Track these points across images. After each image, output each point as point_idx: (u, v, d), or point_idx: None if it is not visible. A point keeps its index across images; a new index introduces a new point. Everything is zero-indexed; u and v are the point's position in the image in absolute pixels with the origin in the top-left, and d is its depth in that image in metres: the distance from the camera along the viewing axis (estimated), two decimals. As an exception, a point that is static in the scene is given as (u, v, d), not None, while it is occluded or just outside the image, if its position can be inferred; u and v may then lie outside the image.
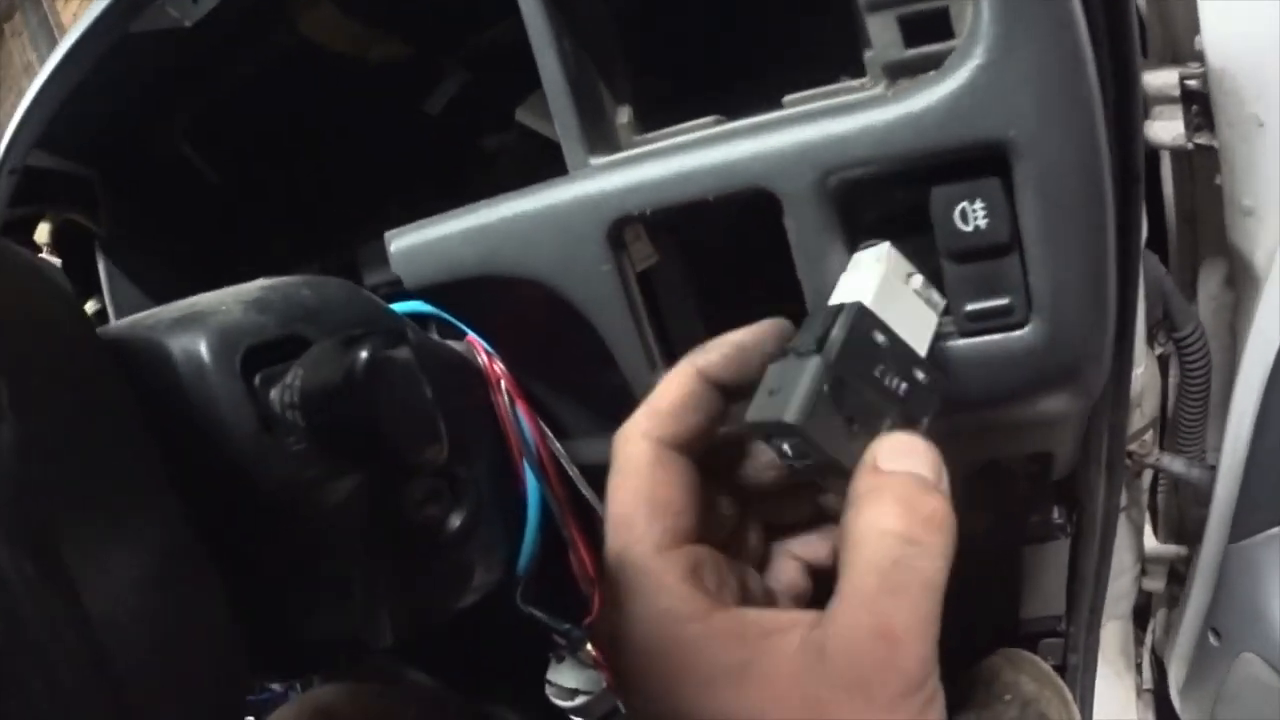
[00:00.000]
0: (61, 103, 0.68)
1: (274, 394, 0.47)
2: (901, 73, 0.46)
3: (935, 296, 0.46)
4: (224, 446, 0.46)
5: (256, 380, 0.47)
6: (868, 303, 0.43)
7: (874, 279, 0.44)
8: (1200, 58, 0.87)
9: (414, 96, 0.76)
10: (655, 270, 0.55)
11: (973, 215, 0.44)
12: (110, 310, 0.82)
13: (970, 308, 0.46)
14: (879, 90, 0.47)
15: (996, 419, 0.51)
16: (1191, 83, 0.88)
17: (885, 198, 0.47)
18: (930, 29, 0.45)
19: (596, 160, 0.52)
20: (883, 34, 0.46)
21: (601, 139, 0.54)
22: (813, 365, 0.41)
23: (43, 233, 0.79)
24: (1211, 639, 0.96)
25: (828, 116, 0.46)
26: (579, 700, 0.78)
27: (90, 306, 0.84)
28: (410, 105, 0.76)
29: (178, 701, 0.34)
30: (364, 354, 0.45)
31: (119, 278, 0.81)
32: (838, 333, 0.42)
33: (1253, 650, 0.90)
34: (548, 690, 0.80)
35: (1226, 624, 0.94)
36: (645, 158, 0.51)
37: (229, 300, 0.50)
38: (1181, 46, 0.93)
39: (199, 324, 0.47)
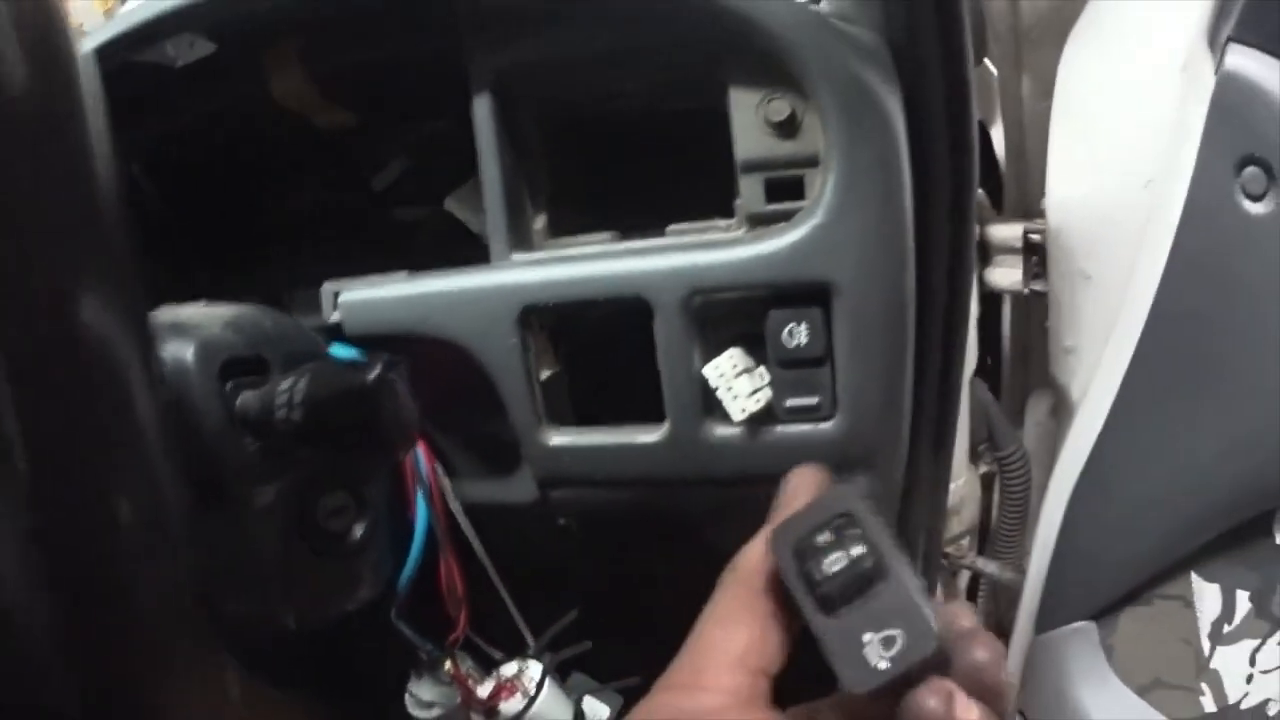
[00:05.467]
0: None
1: (242, 399, 0.57)
2: (760, 221, 0.60)
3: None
4: (195, 438, 0.55)
5: (227, 386, 0.57)
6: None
7: None
8: (1045, 215, 0.97)
9: (352, 164, 0.82)
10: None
11: (797, 334, 0.58)
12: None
13: (790, 403, 0.59)
14: (741, 233, 0.61)
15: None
16: (1034, 236, 1.00)
17: (733, 315, 0.60)
18: (787, 190, 0.59)
19: (517, 256, 0.65)
20: (750, 189, 0.60)
21: (520, 239, 0.66)
22: (909, 581, 0.39)
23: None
24: (1020, 722, 1.00)
25: (699, 249, 0.59)
26: (434, 712, 0.82)
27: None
28: (345, 169, 0.82)
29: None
30: (375, 373, 0.55)
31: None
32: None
33: (1057, 732, 0.95)
34: (407, 700, 0.84)
35: (1033, 708, 0.99)
36: (555, 260, 0.64)
37: (208, 318, 0.59)
38: (1032, 205, 1.06)
39: (187, 334, 0.56)
